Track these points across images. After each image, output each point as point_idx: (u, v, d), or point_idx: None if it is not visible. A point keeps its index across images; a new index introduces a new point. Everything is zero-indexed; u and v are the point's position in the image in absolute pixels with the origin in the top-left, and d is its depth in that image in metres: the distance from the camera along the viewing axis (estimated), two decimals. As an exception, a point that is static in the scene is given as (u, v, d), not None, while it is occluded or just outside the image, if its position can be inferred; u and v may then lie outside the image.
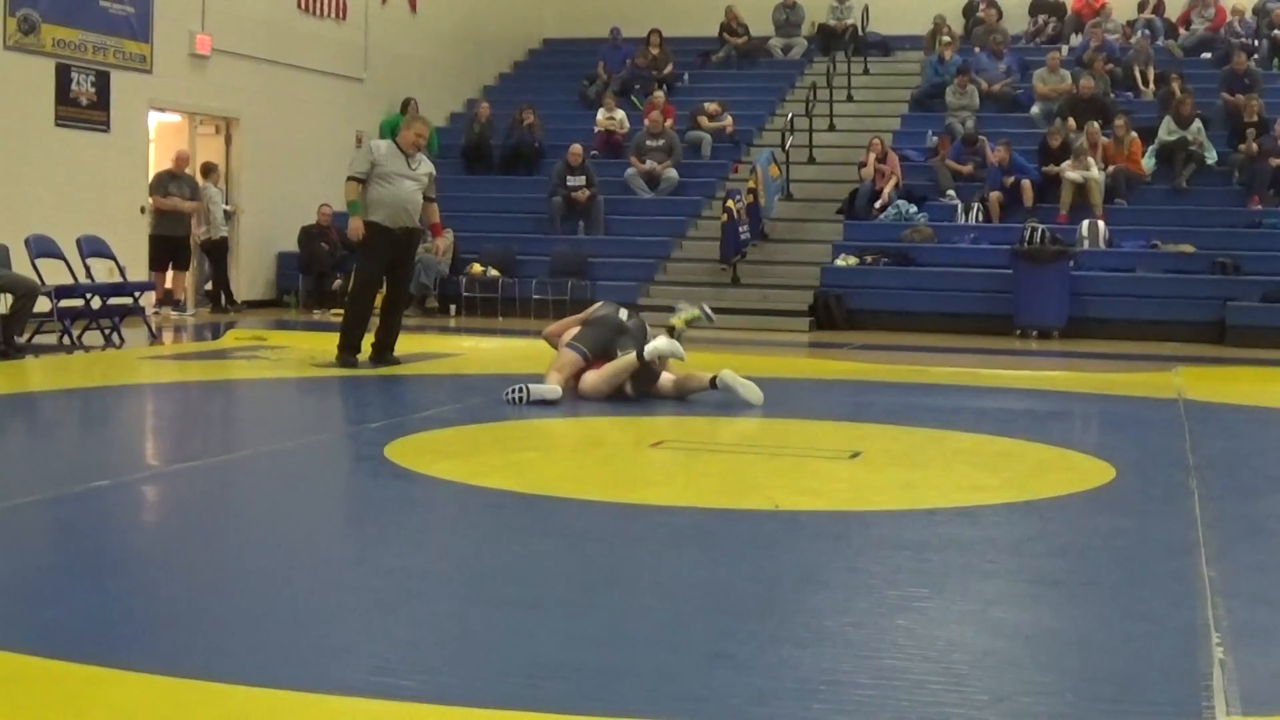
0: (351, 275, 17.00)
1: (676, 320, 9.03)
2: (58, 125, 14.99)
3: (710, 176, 19.33)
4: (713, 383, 8.57)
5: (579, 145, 18.41)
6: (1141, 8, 22.09)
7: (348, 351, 10.43)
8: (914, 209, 17.56)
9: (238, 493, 6.01)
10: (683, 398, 8.60)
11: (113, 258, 13.37)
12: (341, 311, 16.80)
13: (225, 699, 3.10)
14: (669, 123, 19.36)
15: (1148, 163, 17.84)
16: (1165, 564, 4.67)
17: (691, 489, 6.07)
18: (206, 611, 3.87)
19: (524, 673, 3.31)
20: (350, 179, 10.39)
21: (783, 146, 18.66)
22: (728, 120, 19.93)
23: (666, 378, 8.68)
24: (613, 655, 3.51)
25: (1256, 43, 20.63)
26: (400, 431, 7.27)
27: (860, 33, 22.19)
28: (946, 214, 17.59)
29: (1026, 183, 17.27)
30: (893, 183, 17.83)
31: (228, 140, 17.72)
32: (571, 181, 18.22)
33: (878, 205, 17.76)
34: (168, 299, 16.06)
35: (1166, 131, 17.83)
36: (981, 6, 22.16)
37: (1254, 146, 17.08)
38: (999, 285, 16.00)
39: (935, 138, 18.91)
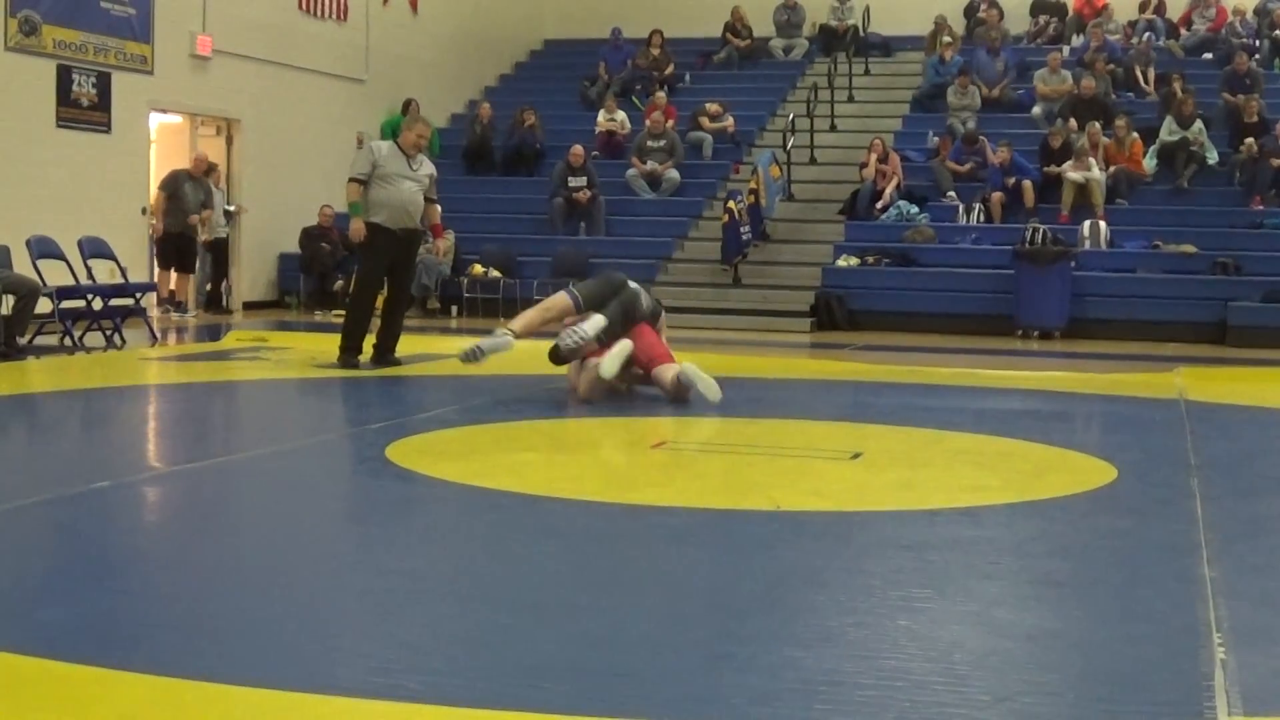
0: (353, 276, 17.09)
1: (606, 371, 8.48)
2: (59, 126, 15.00)
3: (711, 177, 19.34)
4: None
5: (580, 146, 18.42)
6: (1143, 8, 22.09)
7: (349, 352, 10.43)
8: (915, 209, 17.56)
9: (239, 494, 6.01)
10: (677, 395, 8.51)
11: (114, 259, 13.38)
12: (343, 312, 16.90)
13: (226, 700, 3.10)
14: (670, 123, 19.36)
15: (1149, 163, 17.85)
16: (1167, 564, 4.66)
17: (692, 490, 6.07)
18: (207, 613, 3.87)
19: (525, 673, 3.31)
20: (351, 180, 10.39)
21: (784, 147, 18.67)
22: (729, 121, 19.94)
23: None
24: (614, 656, 3.51)
25: (1257, 43, 20.63)
26: (401, 432, 7.27)
27: (861, 33, 22.20)
28: (948, 214, 17.60)
29: (1028, 183, 17.27)
30: (894, 183, 17.84)
31: (229, 141, 17.74)
32: (573, 182, 18.22)
33: (879, 206, 17.76)
34: (168, 300, 16.04)
35: (1167, 132, 17.83)
36: (983, 7, 22.17)
37: (1255, 147, 17.07)
38: (1000, 286, 16.00)
39: (936, 138, 18.92)
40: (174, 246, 16.07)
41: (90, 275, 12.74)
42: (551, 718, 3.01)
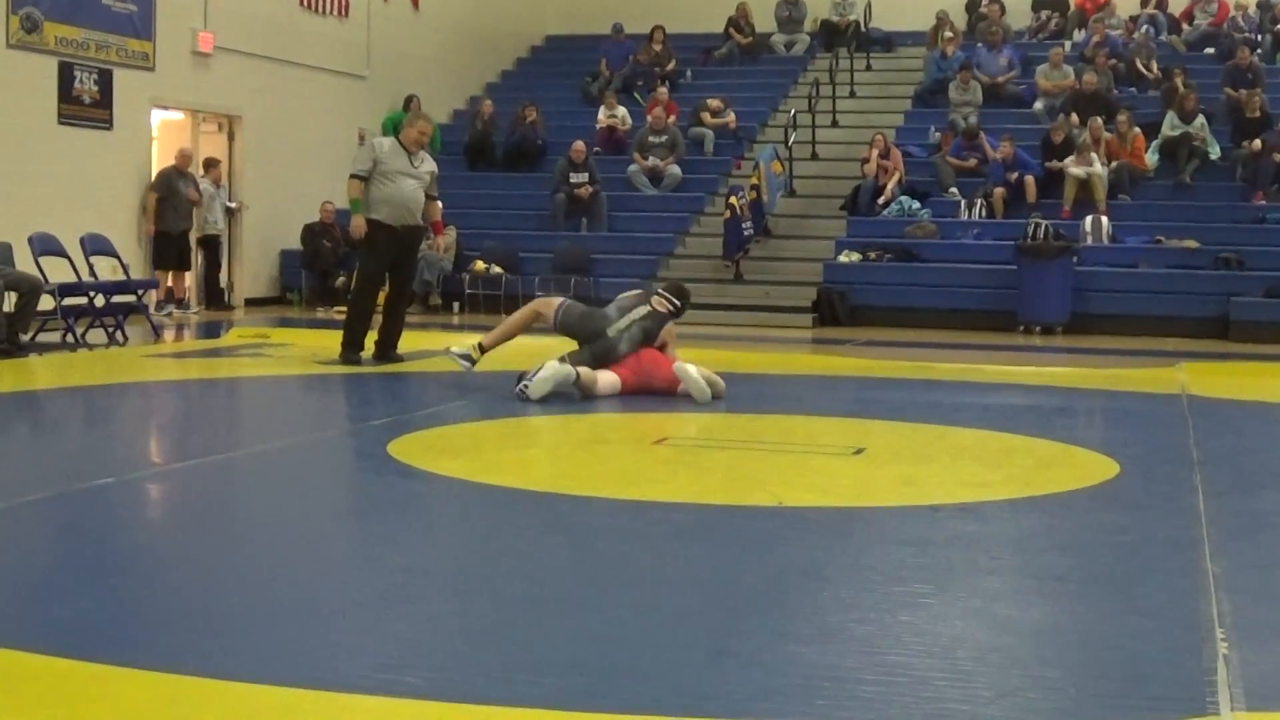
0: (354, 273, 17.08)
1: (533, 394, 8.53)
2: (60, 123, 14.99)
3: (713, 173, 19.33)
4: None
5: (582, 142, 18.41)
6: (1144, 3, 22.08)
7: (351, 349, 10.44)
8: (917, 205, 17.55)
9: (241, 490, 6.02)
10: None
11: (116, 256, 13.37)
12: (344, 309, 16.89)
13: (228, 696, 3.10)
14: (672, 119, 19.35)
15: (1151, 158, 17.83)
16: (1169, 559, 4.67)
17: (695, 485, 6.07)
18: (210, 609, 3.87)
19: (528, 669, 3.31)
20: (353, 177, 10.39)
21: (785, 143, 18.66)
22: (730, 117, 19.92)
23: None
24: (617, 652, 3.52)
25: (1260, 37, 20.62)
26: (404, 429, 7.27)
27: (863, 29, 22.19)
28: (949, 210, 17.59)
29: (1030, 178, 17.26)
30: (896, 179, 17.83)
31: (230, 138, 17.72)
32: (574, 178, 18.22)
33: (881, 201, 17.76)
34: (169, 298, 16.00)
35: (1170, 127, 17.81)
36: (984, 2, 22.15)
37: (1258, 144, 17.05)
38: (1002, 281, 15.99)
39: (938, 134, 18.90)
40: (173, 247, 16.01)
41: (92, 272, 12.75)
42: (554, 713, 3.01)
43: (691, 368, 8.54)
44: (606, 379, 8.64)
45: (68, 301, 12.17)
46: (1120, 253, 16.38)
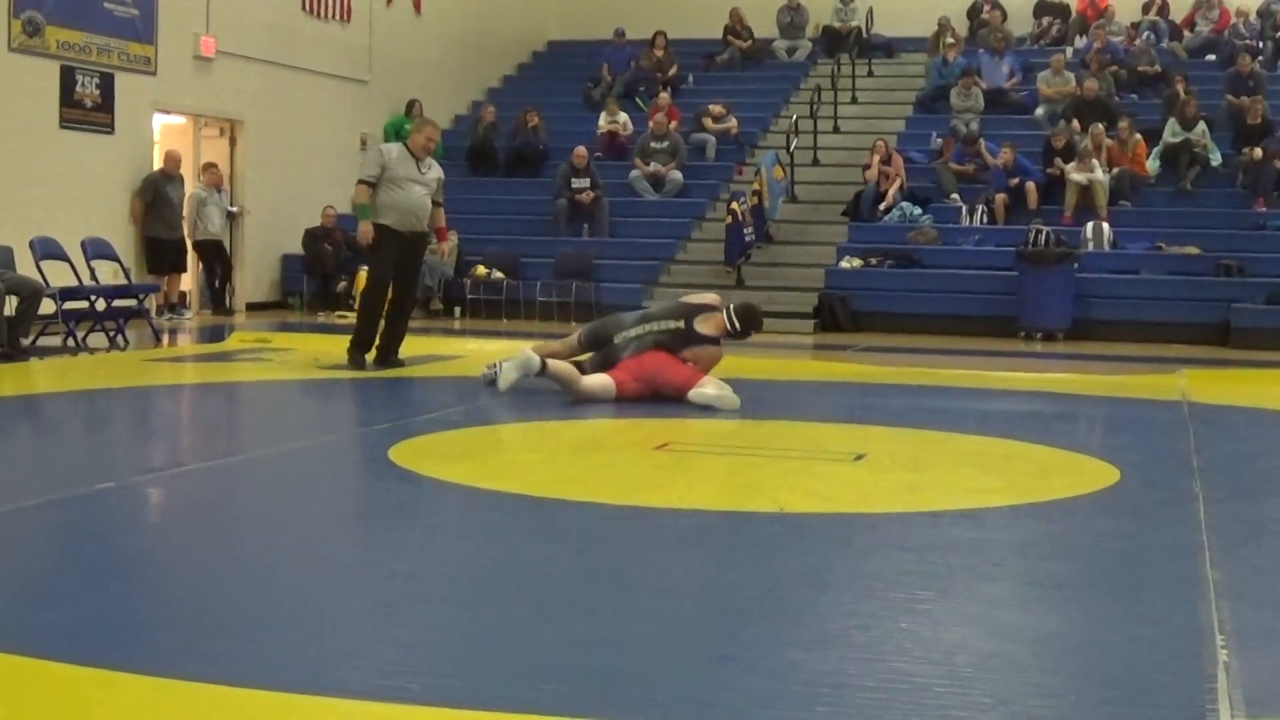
0: (360, 277, 17.09)
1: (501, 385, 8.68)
2: (62, 127, 15.00)
3: (714, 178, 19.34)
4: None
5: (583, 147, 18.42)
6: (1146, 9, 22.08)
7: (358, 350, 10.45)
8: (918, 211, 17.55)
9: (242, 495, 6.02)
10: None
11: (117, 260, 13.38)
12: (345, 313, 16.91)
13: (230, 701, 3.10)
14: (673, 125, 19.36)
15: (1152, 165, 17.83)
16: (1170, 566, 4.66)
17: (695, 491, 6.08)
18: (210, 614, 3.87)
19: (528, 675, 3.31)
20: (360, 182, 10.39)
21: (787, 148, 18.67)
22: (732, 122, 19.94)
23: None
24: (617, 658, 3.52)
25: (1261, 44, 20.63)
26: (405, 434, 7.27)
27: (864, 34, 22.20)
28: (951, 216, 17.59)
29: (1031, 185, 17.26)
30: (897, 185, 17.83)
31: (232, 142, 17.73)
32: (576, 183, 18.23)
33: (882, 207, 17.76)
34: (164, 302, 15.93)
35: (1171, 133, 17.82)
36: (985, 8, 22.17)
37: (1259, 151, 17.06)
38: (1003, 287, 15.99)
39: (939, 139, 18.91)
40: (167, 251, 15.96)
41: (93, 276, 12.76)
42: (554, 719, 3.01)
43: (709, 390, 8.41)
44: (596, 380, 8.56)
45: (69, 305, 12.18)
46: (1121, 259, 16.38)
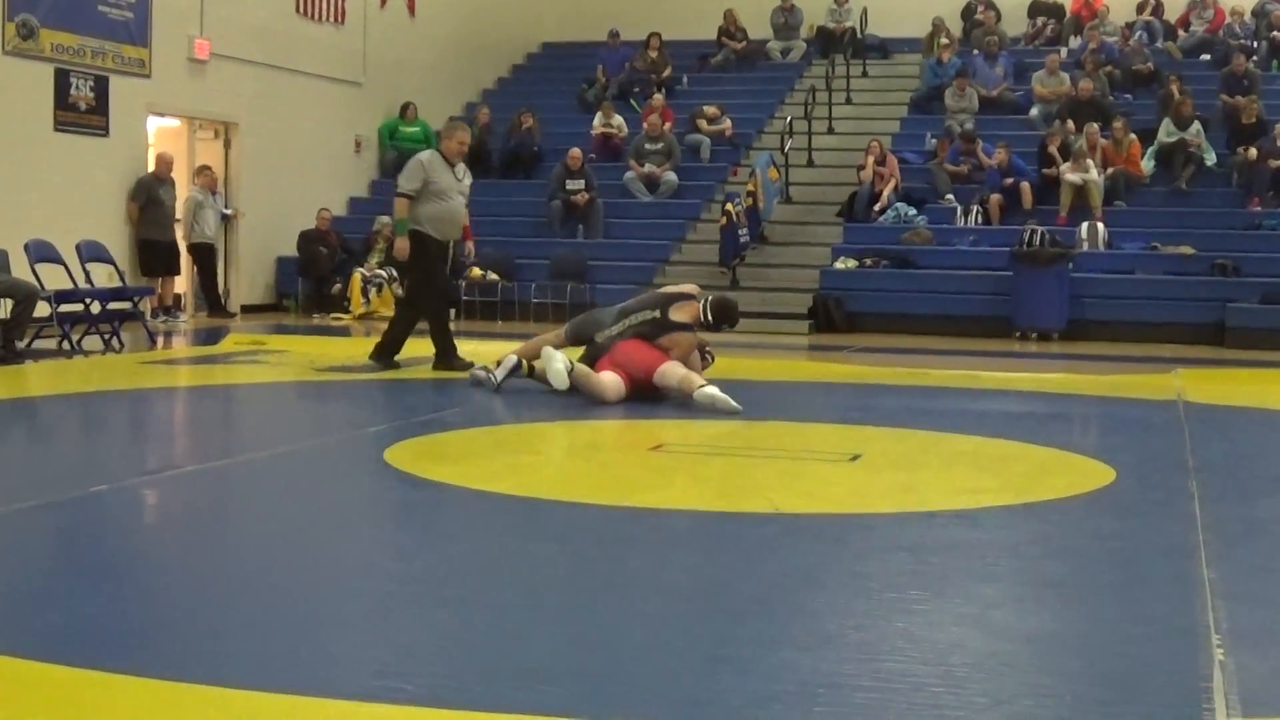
0: (355, 280, 17.07)
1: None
2: (57, 130, 14.99)
3: (709, 180, 19.34)
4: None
5: (578, 149, 18.42)
6: (1140, 9, 22.09)
7: (388, 354, 10.34)
8: (913, 211, 17.57)
9: (237, 497, 6.02)
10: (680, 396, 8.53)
11: (112, 262, 13.37)
12: (340, 315, 16.91)
13: (225, 703, 3.10)
14: (668, 126, 19.37)
15: (1147, 165, 17.85)
16: (1165, 566, 4.67)
17: (691, 492, 6.08)
18: (207, 616, 3.87)
19: (524, 676, 3.31)
20: (402, 195, 10.13)
21: (782, 149, 18.67)
22: (727, 123, 19.94)
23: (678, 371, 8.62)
24: (612, 659, 3.52)
25: (1255, 44, 20.64)
26: (400, 435, 7.27)
27: (859, 35, 22.20)
28: (946, 216, 17.60)
29: (1025, 185, 17.27)
30: (892, 185, 17.84)
31: (226, 145, 17.72)
32: (570, 185, 18.23)
33: (877, 208, 17.77)
34: (158, 307, 15.88)
35: (1165, 133, 17.84)
36: (980, 9, 22.18)
37: (1253, 150, 17.07)
38: (998, 287, 16.01)
39: (934, 140, 18.92)
40: (160, 254, 15.94)
41: (88, 279, 12.75)
42: (550, 720, 3.02)
43: (710, 390, 8.35)
44: (609, 381, 8.55)
45: (64, 308, 12.17)
46: (1116, 259, 16.39)
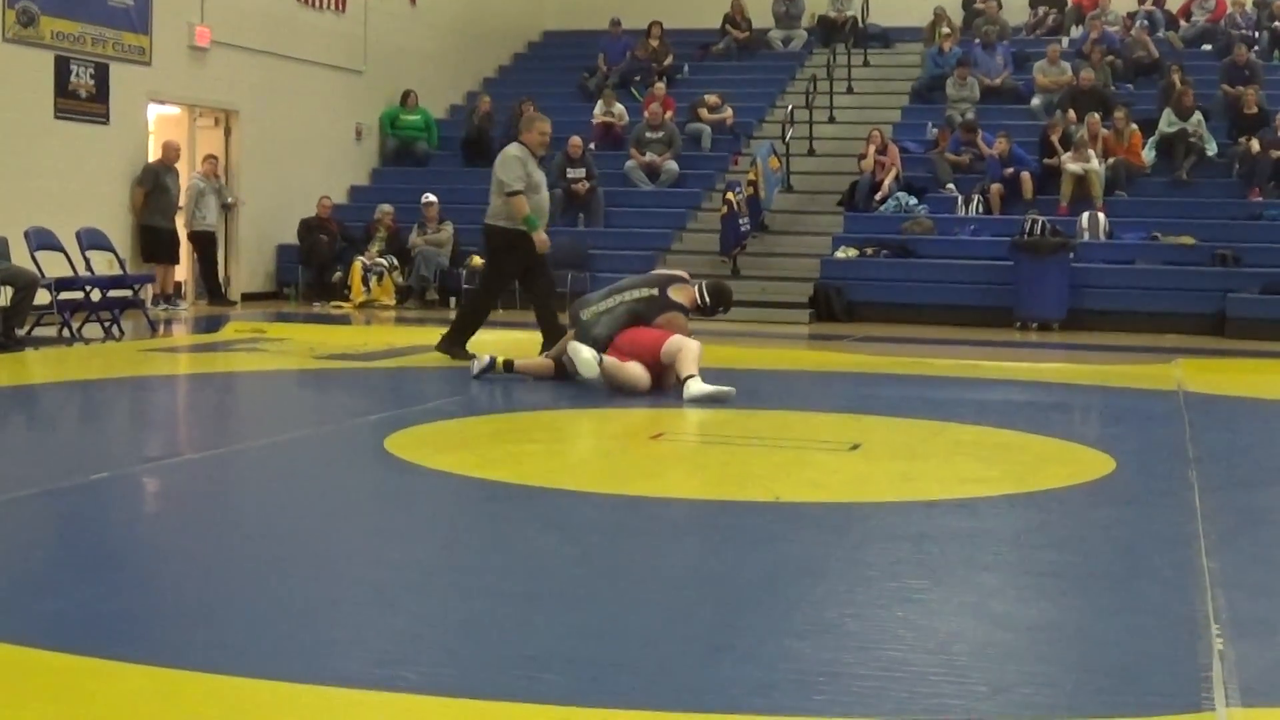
0: (355, 268, 17.06)
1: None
2: (57, 118, 14.98)
3: (710, 169, 19.31)
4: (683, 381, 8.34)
5: (579, 137, 18.39)
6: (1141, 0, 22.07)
7: (461, 341, 10.19)
8: (914, 201, 17.55)
9: (238, 485, 6.02)
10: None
11: (112, 250, 13.36)
12: (340, 303, 16.90)
13: (226, 691, 3.10)
14: (669, 115, 19.34)
15: (1148, 155, 17.83)
16: (1165, 556, 4.67)
17: (691, 481, 6.08)
18: (206, 604, 3.87)
19: (524, 664, 3.31)
20: (516, 194, 9.95)
21: (783, 138, 18.65)
22: (728, 112, 19.91)
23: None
24: (613, 647, 3.52)
25: (1257, 34, 20.61)
26: (400, 424, 7.27)
27: (860, 24, 22.18)
28: (946, 206, 17.58)
29: (1026, 175, 17.25)
30: (893, 175, 17.82)
31: (227, 132, 17.70)
32: (571, 173, 18.20)
33: (878, 197, 17.75)
34: (159, 295, 15.86)
35: (1167, 123, 17.81)
36: (981, -2, 22.14)
37: (1255, 141, 17.05)
38: (999, 277, 16.00)
39: (935, 130, 18.90)
40: (163, 240, 15.93)
41: (89, 267, 12.75)
42: (550, 708, 3.02)
43: (695, 389, 8.22)
44: (638, 371, 8.52)
45: (64, 296, 12.17)
46: (1117, 249, 16.38)
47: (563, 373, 8.88)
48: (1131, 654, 3.53)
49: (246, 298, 17.61)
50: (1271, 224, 16.42)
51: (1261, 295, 15.26)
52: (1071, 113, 18.18)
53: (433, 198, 17.59)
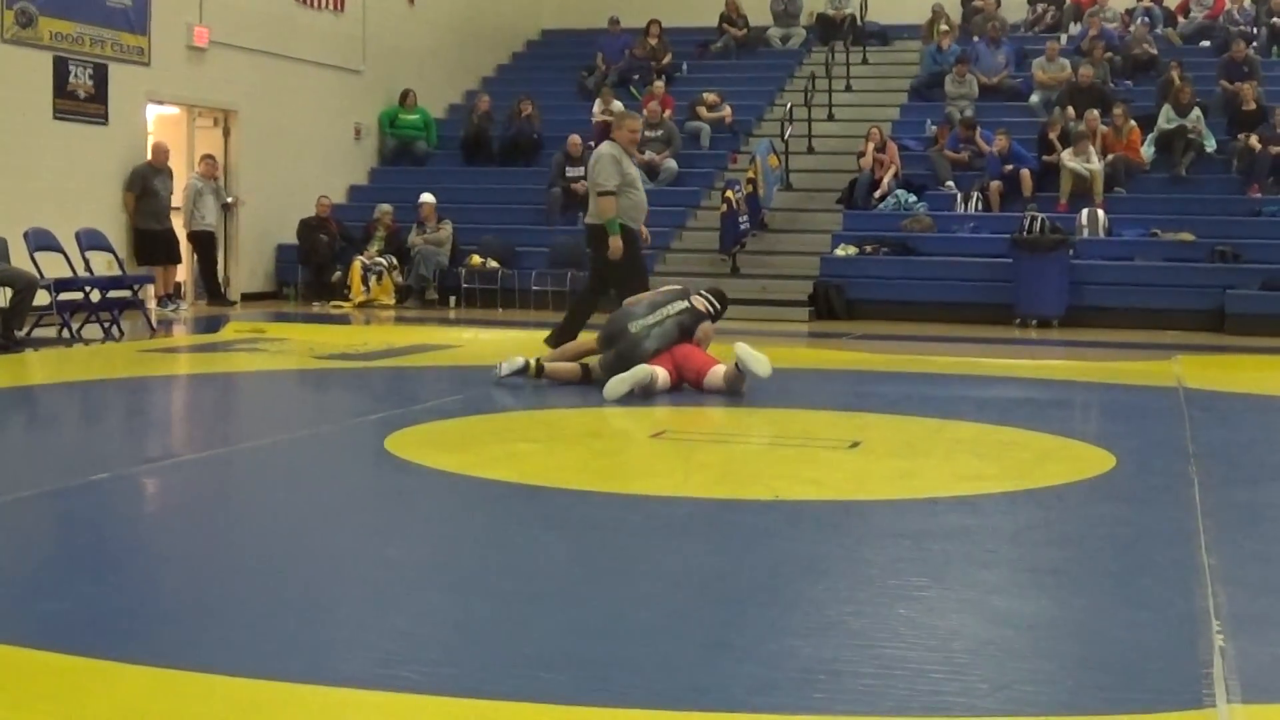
0: (355, 268, 17.05)
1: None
2: (56, 118, 14.97)
3: (709, 167, 19.31)
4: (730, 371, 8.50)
5: (578, 136, 18.39)
6: (1140, -5, 22.06)
7: (566, 341, 9.93)
8: (913, 198, 17.54)
9: (237, 485, 6.02)
10: (732, 389, 8.50)
11: (111, 251, 13.35)
12: (340, 303, 16.90)
13: (225, 691, 3.10)
14: (668, 113, 19.33)
15: (1147, 151, 17.82)
16: (1165, 552, 4.67)
17: (692, 479, 6.08)
18: (207, 604, 3.87)
19: (525, 663, 3.31)
20: (608, 194, 9.86)
21: (782, 136, 18.64)
22: (726, 110, 19.91)
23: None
24: (614, 646, 3.52)
25: (1255, 30, 20.60)
26: (401, 423, 7.27)
27: (859, 22, 22.17)
28: (946, 203, 17.58)
29: (1026, 172, 17.24)
30: (892, 172, 17.81)
31: (226, 133, 17.69)
32: (570, 172, 18.20)
33: (877, 195, 17.74)
34: (159, 294, 15.84)
35: (1165, 120, 17.81)
36: (979, -5, 22.14)
37: (1253, 139, 17.04)
38: (998, 274, 15.99)
39: (934, 127, 18.89)
40: (160, 242, 15.90)
41: (88, 267, 12.73)
42: (550, 707, 3.02)
43: (743, 346, 8.46)
44: (659, 374, 8.52)
45: (63, 297, 12.16)
46: (1116, 246, 16.38)
47: (588, 378, 8.82)
48: (1132, 650, 3.53)
49: (246, 298, 17.60)
50: (1271, 220, 16.42)
51: (1261, 291, 15.26)
52: (1070, 109, 18.18)
53: (428, 197, 17.58)
